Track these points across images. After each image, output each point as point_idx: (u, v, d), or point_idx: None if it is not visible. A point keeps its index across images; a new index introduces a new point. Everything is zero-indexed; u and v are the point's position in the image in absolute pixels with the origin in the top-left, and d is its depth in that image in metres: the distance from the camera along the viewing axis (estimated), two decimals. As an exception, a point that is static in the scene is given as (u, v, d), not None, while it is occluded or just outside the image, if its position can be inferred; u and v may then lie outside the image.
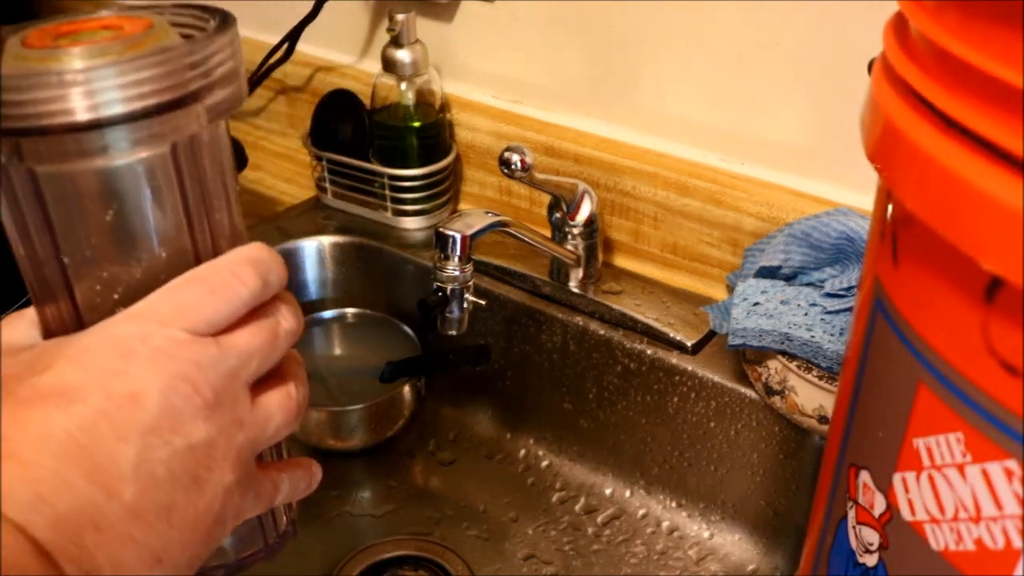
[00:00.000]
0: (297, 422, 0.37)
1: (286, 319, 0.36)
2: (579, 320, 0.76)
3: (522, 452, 0.83)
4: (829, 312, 0.62)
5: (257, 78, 0.94)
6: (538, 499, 0.79)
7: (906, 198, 0.29)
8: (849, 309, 0.62)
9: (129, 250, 0.34)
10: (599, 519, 0.77)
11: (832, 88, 0.67)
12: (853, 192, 0.69)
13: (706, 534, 0.75)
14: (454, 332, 0.67)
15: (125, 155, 0.32)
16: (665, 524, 0.76)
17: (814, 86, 0.68)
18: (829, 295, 0.63)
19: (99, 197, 0.33)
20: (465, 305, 0.66)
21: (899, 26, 0.34)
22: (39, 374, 0.32)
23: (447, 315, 0.66)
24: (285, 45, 0.92)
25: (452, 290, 0.65)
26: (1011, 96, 0.26)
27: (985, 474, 0.30)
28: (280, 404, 0.36)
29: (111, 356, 0.32)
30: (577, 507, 0.78)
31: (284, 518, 0.43)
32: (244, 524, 0.38)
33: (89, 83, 0.30)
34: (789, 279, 0.66)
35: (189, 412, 0.32)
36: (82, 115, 0.30)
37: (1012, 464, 0.28)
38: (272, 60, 0.93)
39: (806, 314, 0.63)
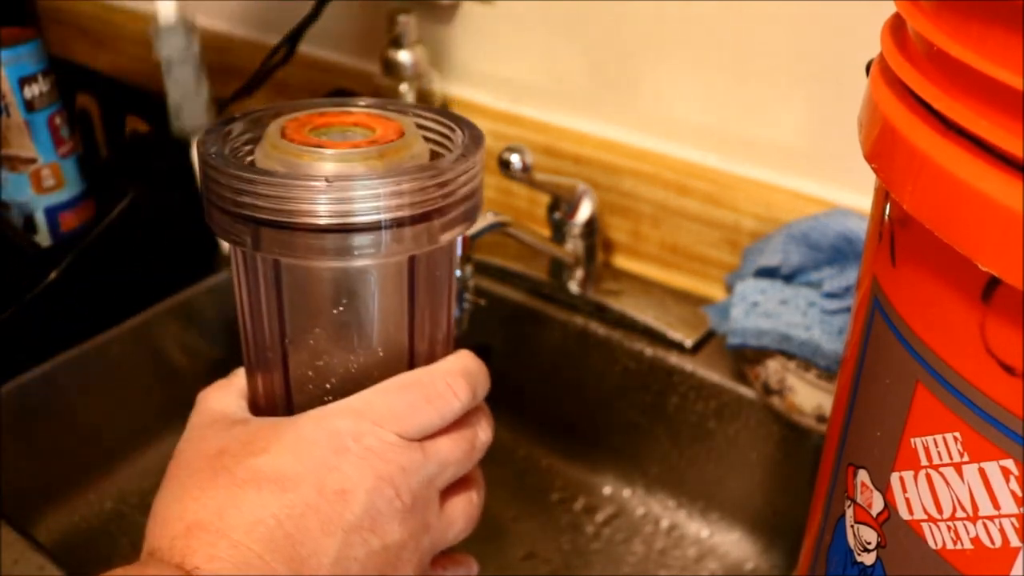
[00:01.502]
0: (474, 526, 0.39)
1: (484, 431, 0.38)
2: (579, 320, 0.77)
3: (522, 452, 0.83)
4: (827, 312, 0.63)
5: (257, 79, 0.94)
6: (538, 499, 0.79)
7: (904, 199, 0.29)
8: (847, 309, 0.62)
9: (350, 344, 0.35)
10: (598, 518, 0.77)
11: (830, 89, 0.67)
12: (851, 193, 0.69)
13: (705, 533, 0.75)
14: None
15: (363, 260, 0.33)
16: (664, 523, 0.76)
17: (812, 87, 0.68)
18: (827, 295, 0.63)
19: (332, 292, 0.34)
20: (465, 305, 0.66)
21: (897, 27, 0.34)
22: (256, 456, 0.32)
23: (447, 315, 0.66)
24: (286, 46, 0.92)
25: (452, 290, 0.65)
26: (1009, 97, 0.26)
27: (982, 473, 0.30)
28: (463, 511, 0.38)
29: (326, 450, 0.32)
30: (576, 506, 0.78)
31: None
32: None
33: (343, 191, 0.31)
34: (788, 279, 0.67)
35: (389, 514, 0.33)
36: (326, 219, 0.31)
37: (1009, 463, 0.29)
38: (273, 61, 0.93)
39: (805, 314, 0.63)
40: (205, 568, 0.30)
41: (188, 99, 0.77)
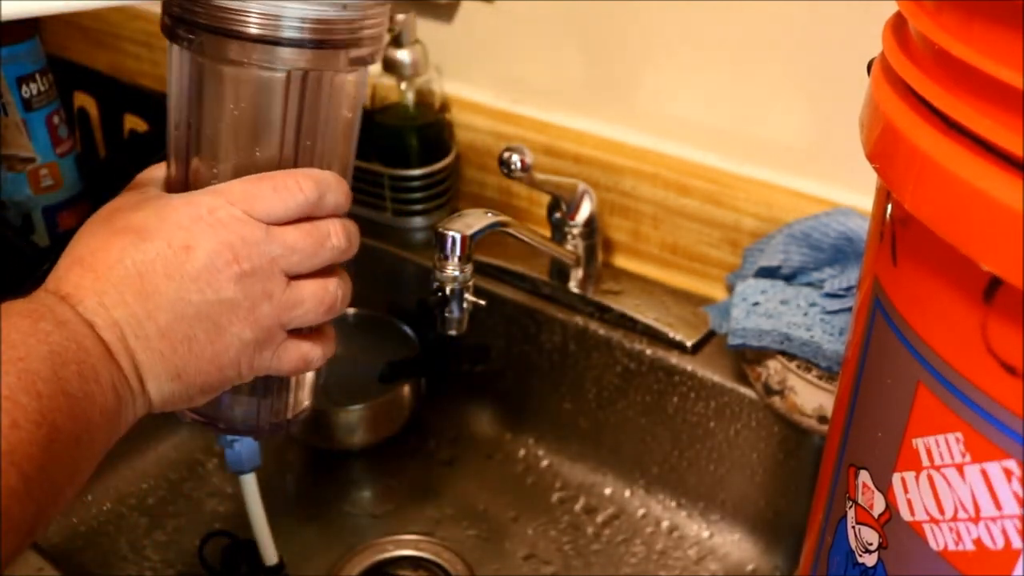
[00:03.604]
0: (330, 313, 0.44)
1: (336, 236, 0.43)
2: (579, 320, 0.76)
3: (522, 452, 0.83)
4: (828, 312, 0.62)
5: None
6: (538, 499, 0.79)
7: (905, 198, 0.29)
8: (848, 309, 0.62)
9: (238, 142, 0.42)
10: (599, 519, 0.77)
11: (831, 88, 0.67)
12: (852, 192, 0.69)
13: (706, 534, 0.75)
14: (454, 332, 0.67)
15: (275, 71, 0.41)
16: (665, 524, 0.76)
17: (813, 86, 0.68)
18: (828, 295, 0.63)
19: (234, 94, 0.41)
20: (465, 305, 0.66)
21: (898, 26, 0.34)
22: (133, 212, 0.41)
23: (447, 315, 0.66)
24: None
25: (452, 290, 0.65)
26: (1010, 96, 0.26)
27: (984, 474, 0.30)
28: (313, 293, 0.43)
29: (184, 216, 0.40)
30: (577, 507, 0.78)
31: (287, 412, 0.51)
32: (250, 400, 0.48)
33: (274, 9, 0.39)
34: (788, 279, 0.66)
35: (226, 274, 0.40)
36: (255, 31, 0.39)
37: (1011, 464, 0.29)
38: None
39: (805, 314, 0.63)
40: (73, 295, 0.38)
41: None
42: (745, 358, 0.68)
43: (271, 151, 0.43)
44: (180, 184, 0.44)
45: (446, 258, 0.63)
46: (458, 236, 0.62)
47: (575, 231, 0.75)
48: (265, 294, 0.41)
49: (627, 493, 0.78)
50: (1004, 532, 0.29)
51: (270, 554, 0.62)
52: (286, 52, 0.40)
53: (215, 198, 0.41)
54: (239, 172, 0.43)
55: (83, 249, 0.40)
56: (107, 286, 0.39)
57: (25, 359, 0.35)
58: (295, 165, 0.43)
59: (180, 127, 0.44)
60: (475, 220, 0.63)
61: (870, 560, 0.37)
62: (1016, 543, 0.29)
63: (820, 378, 0.62)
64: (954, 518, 0.31)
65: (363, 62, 0.43)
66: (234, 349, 0.41)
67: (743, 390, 0.69)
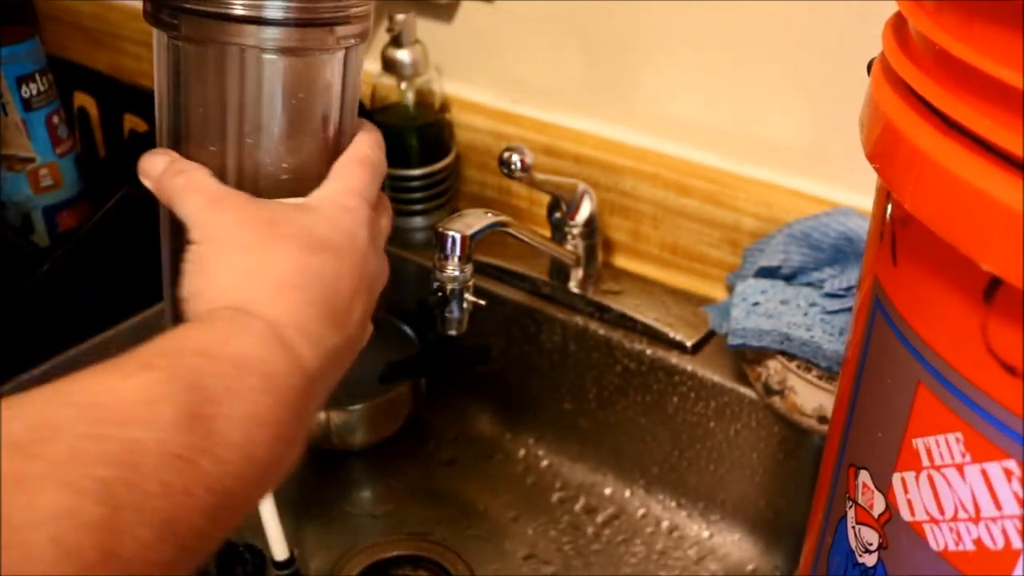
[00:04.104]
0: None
1: (388, 209, 0.48)
2: (579, 320, 0.76)
3: (522, 452, 0.83)
4: (828, 312, 0.62)
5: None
6: (538, 499, 0.79)
7: (905, 198, 0.29)
8: (848, 309, 0.62)
9: (229, 124, 0.42)
10: (599, 519, 0.77)
11: (831, 88, 0.67)
12: (852, 192, 0.69)
13: (706, 534, 0.75)
14: (454, 332, 0.67)
15: (258, 49, 0.40)
16: (665, 524, 0.76)
17: (813, 86, 0.68)
18: (828, 295, 0.63)
19: (219, 76, 0.41)
20: (465, 305, 0.66)
21: (898, 26, 0.34)
22: (309, 227, 0.40)
23: (447, 315, 0.66)
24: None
25: (452, 290, 0.65)
26: (1010, 96, 0.26)
27: (984, 474, 0.30)
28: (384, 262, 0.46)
29: (346, 220, 0.41)
30: (577, 507, 0.78)
31: None
32: None
33: None
34: (788, 279, 0.66)
35: (371, 258, 0.42)
36: (240, 11, 0.39)
37: (1011, 464, 0.29)
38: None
39: (805, 314, 0.63)
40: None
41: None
42: (745, 358, 0.68)
43: (260, 133, 0.42)
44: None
45: (446, 258, 0.63)
46: (458, 236, 0.62)
47: (575, 231, 0.75)
48: (375, 256, 0.44)
49: (627, 493, 0.78)
50: (1004, 532, 0.29)
51: (280, 549, 0.62)
52: (271, 31, 0.40)
53: (359, 199, 0.43)
54: (235, 156, 0.42)
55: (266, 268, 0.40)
56: (300, 304, 0.39)
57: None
58: (286, 147, 0.43)
59: (168, 114, 0.43)
60: (475, 220, 0.63)
61: (870, 560, 0.37)
62: (1016, 543, 0.29)
63: (820, 378, 0.62)
64: (954, 518, 0.31)
65: (354, 39, 0.43)
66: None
67: (743, 390, 0.69)
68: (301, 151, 0.43)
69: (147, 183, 0.42)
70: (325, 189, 0.42)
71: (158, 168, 0.41)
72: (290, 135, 0.43)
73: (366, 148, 0.45)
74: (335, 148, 0.45)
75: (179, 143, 0.43)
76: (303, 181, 0.43)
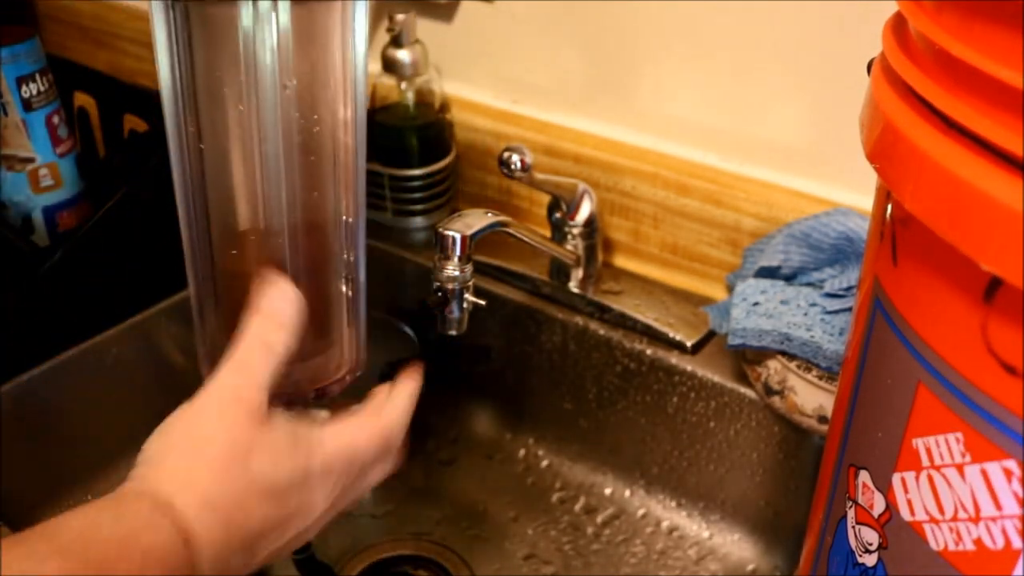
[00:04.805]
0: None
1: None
2: (579, 320, 0.76)
3: (522, 452, 0.83)
4: (829, 312, 0.62)
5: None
6: (538, 499, 0.79)
7: (905, 198, 0.29)
8: (848, 309, 0.62)
9: (236, 85, 0.42)
10: (599, 519, 0.77)
11: (831, 88, 0.67)
12: (852, 192, 0.69)
13: (706, 534, 0.75)
14: (454, 332, 0.67)
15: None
16: (665, 524, 0.76)
17: (813, 86, 0.68)
18: (828, 295, 0.63)
19: (233, 37, 0.41)
20: (465, 305, 0.66)
21: (898, 26, 0.34)
22: (273, 473, 0.43)
23: (447, 315, 0.66)
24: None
25: (452, 290, 0.65)
26: (1010, 96, 0.26)
27: (984, 474, 0.30)
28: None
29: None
30: (577, 507, 0.78)
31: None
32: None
33: None
34: (789, 279, 0.66)
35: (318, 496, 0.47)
36: None
37: (1011, 464, 0.29)
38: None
39: (806, 314, 0.63)
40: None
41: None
42: (745, 358, 0.68)
43: (293, 82, 0.42)
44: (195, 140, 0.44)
45: (446, 258, 0.63)
46: (458, 236, 0.62)
47: (575, 231, 0.75)
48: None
49: (627, 493, 0.78)
50: (1004, 532, 0.29)
51: None
52: None
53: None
54: (271, 110, 0.42)
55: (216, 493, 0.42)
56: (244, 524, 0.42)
57: None
58: (313, 96, 0.43)
59: (182, 86, 0.43)
60: (475, 220, 0.63)
61: (870, 560, 0.37)
62: (1016, 543, 0.29)
63: (820, 378, 0.62)
64: (954, 518, 0.31)
65: None
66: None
67: (743, 390, 0.69)
68: (327, 98, 0.44)
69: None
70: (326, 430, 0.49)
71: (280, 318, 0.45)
72: (315, 81, 0.43)
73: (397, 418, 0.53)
74: (353, 102, 0.44)
75: (197, 110, 0.43)
76: (328, 134, 0.44)
